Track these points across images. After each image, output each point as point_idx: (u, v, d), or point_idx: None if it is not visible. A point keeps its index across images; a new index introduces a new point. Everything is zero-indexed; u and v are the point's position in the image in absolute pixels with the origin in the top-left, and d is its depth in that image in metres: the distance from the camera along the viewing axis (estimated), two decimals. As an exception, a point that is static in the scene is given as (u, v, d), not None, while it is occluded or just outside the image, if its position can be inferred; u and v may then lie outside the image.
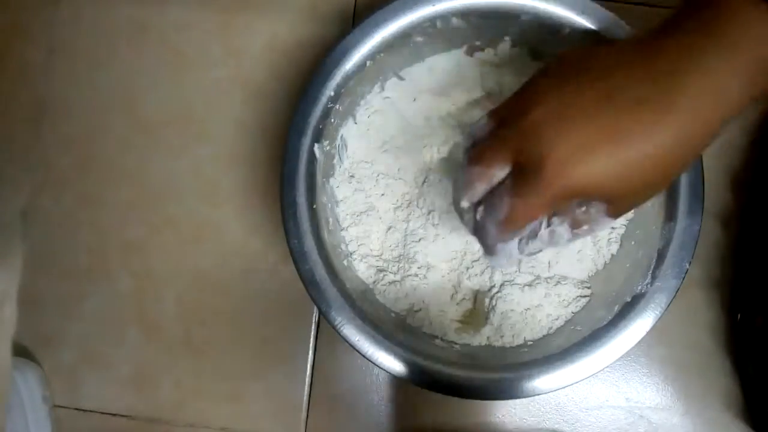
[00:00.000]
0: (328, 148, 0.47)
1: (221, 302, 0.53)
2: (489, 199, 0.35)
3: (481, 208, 0.36)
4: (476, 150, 0.36)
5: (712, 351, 0.51)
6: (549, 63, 0.35)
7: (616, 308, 0.44)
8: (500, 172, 0.34)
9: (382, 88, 0.50)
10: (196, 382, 0.53)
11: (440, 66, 0.50)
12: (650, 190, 0.33)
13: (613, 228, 0.47)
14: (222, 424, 0.53)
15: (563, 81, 0.33)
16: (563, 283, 0.47)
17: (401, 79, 0.50)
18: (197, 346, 0.53)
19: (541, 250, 0.38)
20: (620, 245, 0.48)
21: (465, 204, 0.37)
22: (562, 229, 0.36)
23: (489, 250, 0.37)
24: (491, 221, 0.35)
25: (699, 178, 0.43)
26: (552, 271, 0.48)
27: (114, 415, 0.53)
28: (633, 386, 0.51)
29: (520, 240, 0.37)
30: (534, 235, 0.37)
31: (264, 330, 0.53)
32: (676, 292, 0.43)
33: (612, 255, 0.48)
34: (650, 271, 0.43)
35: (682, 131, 0.31)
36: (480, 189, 0.35)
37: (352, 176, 0.49)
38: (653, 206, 0.45)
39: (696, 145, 0.32)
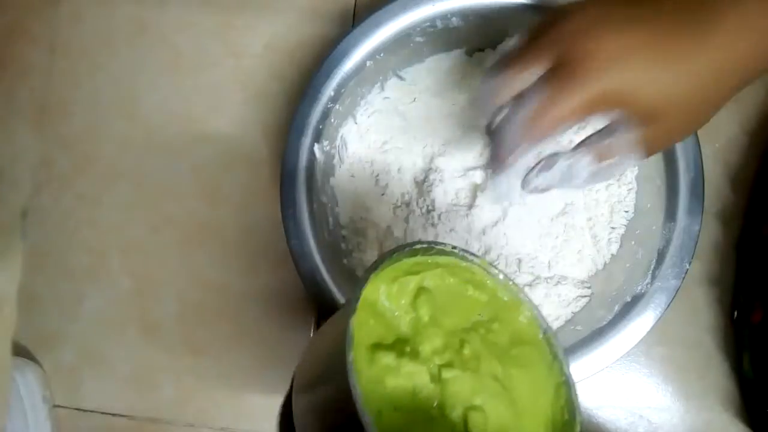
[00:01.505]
0: (328, 148, 0.47)
1: (221, 302, 0.53)
2: (517, 100, 0.33)
3: (506, 109, 0.33)
4: (508, 57, 0.34)
5: (712, 351, 0.51)
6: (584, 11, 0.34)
7: (616, 308, 0.44)
8: (533, 76, 0.32)
9: (382, 88, 0.50)
10: (196, 382, 0.53)
11: (440, 66, 0.50)
12: (683, 118, 0.32)
13: (613, 228, 0.48)
14: (222, 424, 0.53)
15: (610, 3, 0.32)
16: (563, 283, 0.47)
17: (401, 79, 0.50)
18: (197, 346, 0.53)
19: (548, 188, 0.35)
20: (620, 245, 0.48)
21: (490, 110, 0.34)
22: (583, 163, 0.34)
23: (501, 161, 0.34)
24: (516, 121, 0.32)
25: (699, 178, 0.43)
26: (552, 271, 0.48)
27: (114, 415, 0.53)
28: (633, 386, 0.51)
29: (532, 170, 0.34)
30: (550, 166, 0.34)
31: (264, 330, 0.53)
32: (676, 292, 0.43)
33: (612, 255, 0.48)
34: (650, 271, 0.43)
35: (718, 62, 0.31)
36: (510, 92, 0.33)
37: (352, 176, 0.49)
38: (653, 206, 0.45)
39: (731, 81, 0.31)
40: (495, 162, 0.35)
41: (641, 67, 0.31)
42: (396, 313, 0.32)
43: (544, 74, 0.32)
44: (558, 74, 0.31)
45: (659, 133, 0.33)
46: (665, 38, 0.31)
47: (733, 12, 0.31)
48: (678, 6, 0.31)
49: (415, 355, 0.32)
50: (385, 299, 0.32)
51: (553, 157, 0.35)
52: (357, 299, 0.29)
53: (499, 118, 0.34)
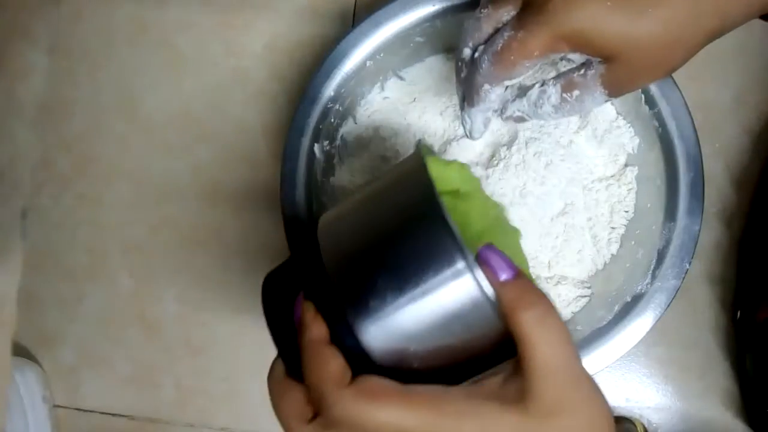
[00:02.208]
0: (328, 148, 0.47)
1: (221, 302, 0.53)
2: (491, 38, 0.34)
3: (480, 47, 0.35)
4: None
5: (712, 351, 0.51)
6: None
7: (616, 308, 0.44)
8: (507, 15, 0.34)
9: (382, 88, 0.50)
10: (196, 382, 0.53)
11: (440, 66, 0.50)
12: (647, 61, 0.33)
13: (613, 228, 0.47)
14: (222, 424, 0.53)
15: None
16: (563, 283, 0.47)
17: (401, 79, 0.50)
18: (197, 346, 0.53)
19: (522, 119, 0.37)
20: (620, 245, 0.47)
21: (467, 49, 0.36)
22: (550, 92, 0.35)
23: (473, 95, 0.36)
24: (487, 57, 0.34)
25: (699, 178, 0.43)
26: (552, 271, 0.47)
27: (114, 415, 0.53)
28: (633, 386, 0.51)
29: (506, 99, 0.36)
30: (522, 93, 0.36)
31: (264, 330, 0.53)
32: (676, 292, 0.43)
33: (612, 255, 0.48)
34: (650, 271, 0.43)
35: (691, 3, 0.31)
36: (485, 31, 0.35)
37: (352, 176, 0.49)
38: (653, 206, 0.45)
39: (707, 24, 0.31)
40: (468, 97, 0.36)
41: (604, 8, 0.31)
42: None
43: (515, 14, 0.33)
44: (530, 8, 0.32)
45: (621, 73, 0.33)
46: None
47: None
48: None
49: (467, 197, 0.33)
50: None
51: (527, 87, 0.36)
52: (420, 149, 0.30)
53: (477, 54, 0.35)
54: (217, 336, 0.53)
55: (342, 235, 0.29)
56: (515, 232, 0.36)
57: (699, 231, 0.43)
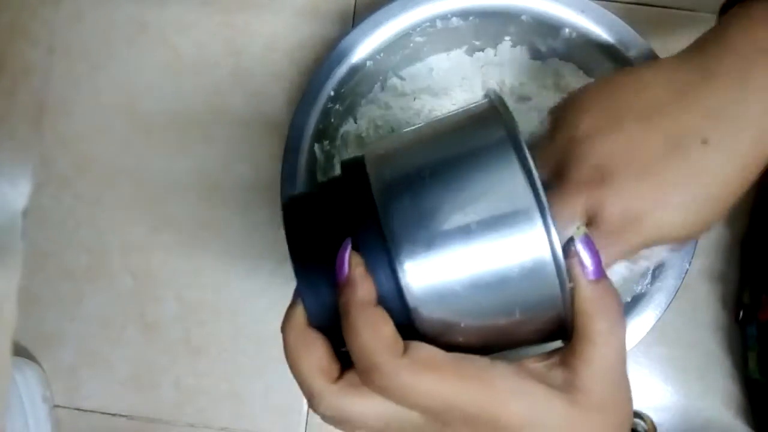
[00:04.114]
0: (328, 148, 0.47)
1: (221, 302, 0.53)
2: None
3: None
4: None
5: (713, 350, 0.51)
6: (583, 95, 0.33)
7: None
8: (570, 230, 0.30)
9: (382, 88, 0.50)
10: (196, 382, 0.53)
11: (440, 66, 0.50)
12: (718, 219, 0.32)
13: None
14: (222, 424, 0.53)
15: (617, 118, 0.31)
16: (563, 283, 0.47)
17: (401, 79, 0.50)
18: (197, 346, 0.53)
19: None
20: (620, 245, 0.47)
21: None
22: (621, 266, 0.35)
23: None
24: None
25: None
26: (552, 271, 0.47)
27: (114, 415, 0.53)
28: (633, 386, 0.51)
29: None
30: None
31: (264, 330, 0.53)
32: (676, 291, 0.43)
33: (612, 255, 0.48)
34: (650, 271, 0.43)
35: (749, 159, 0.30)
36: None
37: (352, 176, 0.49)
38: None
39: (760, 167, 0.31)
40: None
41: (680, 205, 0.30)
42: None
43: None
44: (598, 234, 0.30)
45: (689, 240, 0.34)
46: (697, 162, 0.30)
47: (758, 94, 0.30)
48: (702, 114, 0.30)
49: None
50: None
51: None
52: (494, 94, 0.28)
53: None
54: (217, 336, 0.53)
55: (398, 172, 0.25)
56: None
57: (699, 231, 0.43)
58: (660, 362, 0.51)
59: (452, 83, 0.50)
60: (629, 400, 0.27)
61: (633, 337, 0.43)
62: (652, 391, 0.51)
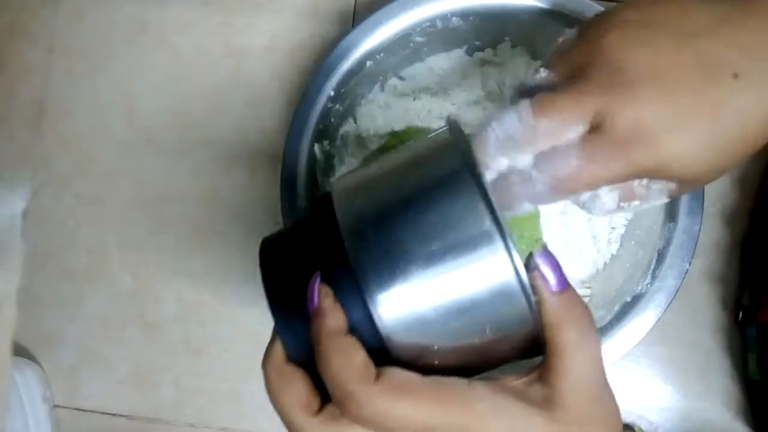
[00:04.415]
0: (328, 148, 0.47)
1: (221, 302, 0.53)
2: (548, 154, 0.29)
3: (528, 161, 0.29)
4: (546, 99, 0.29)
5: (713, 351, 0.51)
6: (623, 9, 0.30)
7: (616, 308, 0.44)
8: (577, 130, 0.29)
9: (382, 88, 0.50)
10: (196, 382, 0.53)
11: (440, 66, 0.50)
12: (728, 168, 0.30)
13: (613, 228, 0.47)
14: (222, 424, 0.53)
15: (654, 35, 0.29)
16: (563, 283, 0.47)
17: (401, 79, 0.50)
18: (197, 346, 0.53)
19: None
20: (620, 245, 0.47)
21: (503, 158, 0.29)
22: (609, 198, 0.31)
23: (507, 206, 0.31)
24: (543, 180, 0.29)
25: (699, 178, 0.43)
26: (552, 271, 0.47)
27: (114, 415, 0.53)
28: (633, 386, 0.51)
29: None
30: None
31: (264, 330, 0.53)
32: (676, 292, 0.43)
33: (612, 255, 0.48)
34: (650, 271, 0.43)
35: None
36: (545, 146, 0.29)
37: (352, 176, 0.49)
38: (653, 206, 0.45)
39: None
40: (509, 205, 0.31)
41: (701, 131, 0.28)
42: None
43: (584, 136, 0.29)
44: (605, 136, 0.28)
45: (697, 185, 0.31)
46: (727, 94, 0.28)
47: None
48: (740, 45, 0.28)
49: None
50: None
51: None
52: (454, 122, 0.28)
53: (531, 171, 0.30)
54: (217, 336, 0.53)
55: (362, 207, 0.26)
56: (534, 214, 0.35)
57: (699, 231, 0.43)
58: (660, 362, 0.51)
59: (452, 83, 0.50)
60: (613, 412, 0.27)
61: (633, 337, 0.43)
62: (652, 391, 0.51)
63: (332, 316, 0.25)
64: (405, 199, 0.26)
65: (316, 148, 0.45)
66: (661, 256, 0.43)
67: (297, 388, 0.26)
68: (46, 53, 0.56)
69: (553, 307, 0.25)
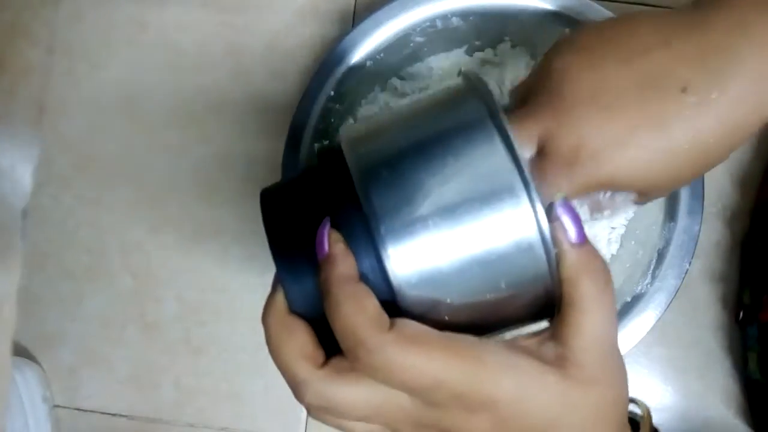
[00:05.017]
0: (328, 148, 0.47)
1: (221, 302, 0.53)
2: None
3: None
4: None
5: (712, 351, 0.51)
6: (575, 35, 0.31)
7: (616, 308, 0.44)
8: (524, 155, 0.29)
9: (382, 88, 0.50)
10: (196, 382, 0.53)
11: (440, 66, 0.50)
12: (687, 179, 0.30)
13: (613, 228, 0.47)
14: (222, 424, 0.53)
15: (598, 57, 0.29)
16: (563, 283, 0.47)
17: (401, 79, 0.50)
18: (197, 346, 0.53)
19: None
20: (620, 245, 0.47)
21: None
22: (581, 211, 0.31)
23: None
24: None
25: (699, 178, 0.43)
26: (552, 271, 0.47)
27: (114, 415, 0.53)
28: (633, 386, 0.51)
29: None
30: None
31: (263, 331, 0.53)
32: (676, 292, 0.43)
33: (612, 255, 0.48)
34: (650, 271, 0.43)
35: (731, 119, 0.28)
36: None
37: (352, 176, 0.49)
38: (653, 206, 0.45)
39: (744, 133, 0.29)
40: None
41: (644, 145, 0.28)
42: None
43: (533, 159, 0.29)
44: (551, 159, 0.29)
45: (659, 193, 0.31)
46: (672, 106, 0.28)
47: (748, 48, 0.28)
48: (686, 58, 0.28)
49: None
50: None
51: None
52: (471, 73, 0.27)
53: None
54: (217, 336, 0.53)
55: (376, 150, 0.25)
56: None
57: (699, 231, 0.43)
58: (660, 362, 0.51)
59: (452, 83, 0.50)
60: (623, 374, 0.27)
61: (633, 337, 0.43)
62: (652, 391, 0.51)
63: (344, 263, 0.24)
64: (423, 143, 0.24)
65: (316, 148, 0.45)
66: (661, 256, 0.43)
67: (300, 339, 0.25)
68: (46, 53, 0.56)
69: (572, 259, 0.25)
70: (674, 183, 0.30)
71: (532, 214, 0.23)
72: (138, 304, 0.54)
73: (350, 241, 0.24)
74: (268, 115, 0.54)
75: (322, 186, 0.25)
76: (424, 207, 0.23)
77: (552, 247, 0.24)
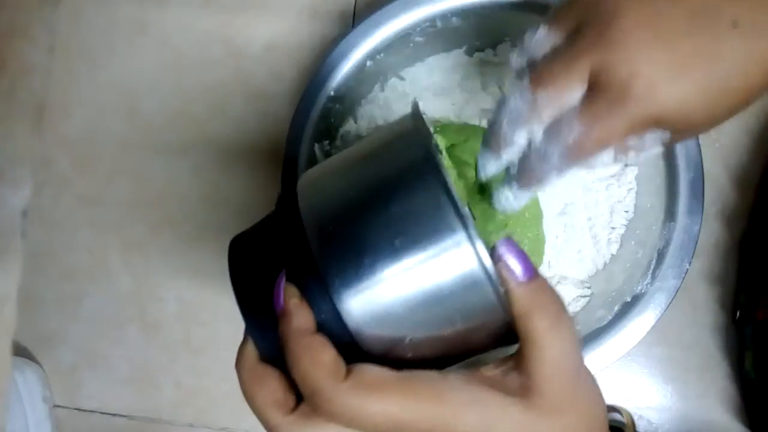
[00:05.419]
0: (328, 148, 0.47)
1: (221, 302, 0.53)
2: (555, 124, 0.30)
3: (539, 133, 0.30)
4: (542, 69, 0.30)
5: (712, 351, 0.51)
6: None
7: (616, 308, 0.44)
8: (576, 94, 0.29)
9: (382, 88, 0.50)
10: (196, 382, 0.53)
11: (440, 66, 0.50)
12: (725, 117, 0.30)
13: (612, 228, 0.47)
14: (222, 424, 0.53)
15: None
16: (563, 283, 0.47)
17: (401, 79, 0.50)
18: (197, 346, 0.53)
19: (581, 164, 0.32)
20: (620, 245, 0.48)
21: (521, 134, 0.30)
22: (605, 153, 0.31)
23: (536, 182, 0.32)
24: (555, 150, 0.30)
25: (699, 178, 0.43)
26: (552, 271, 0.48)
27: (114, 415, 0.53)
28: (633, 386, 0.51)
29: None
30: None
31: (264, 330, 0.53)
32: (676, 292, 0.43)
33: (612, 255, 0.48)
34: (650, 271, 0.43)
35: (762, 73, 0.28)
36: (548, 117, 0.30)
37: (352, 176, 0.49)
38: (653, 206, 0.45)
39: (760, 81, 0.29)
40: (527, 182, 0.32)
41: (698, 78, 0.28)
42: None
43: (583, 98, 0.29)
44: (605, 93, 0.28)
45: (694, 134, 0.32)
46: (723, 41, 0.28)
47: None
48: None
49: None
50: None
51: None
52: (417, 108, 0.28)
53: (541, 146, 0.30)
54: (217, 336, 0.53)
55: (326, 200, 0.26)
56: (537, 214, 0.35)
57: (699, 231, 0.43)
58: (660, 362, 0.51)
59: (452, 83, 0.50)
60: (593, 397, 0.27)
61: (633, 337, 0.43)
62: (652, 391, 0.51)
63: (299, 316, 0.25)
64: (367, 193, 0.25)
65: (316, 148, 0.45)
66: (661, 256, 0.43)
67: (270, 387, 0.26)
68: (46, 53, 0.57)
69: (521, 297, 0.25)
70: (712, 121, 0.30)
71: (474, 255, 0.24)
72: (138, 304, 0.54)
73: (306, 292, 0.25)
74: (267, 116, 0.55)
75: (279, 238, 0.27)
76: (371, 255, 0.24)
77: (499, 285, 0.24)
